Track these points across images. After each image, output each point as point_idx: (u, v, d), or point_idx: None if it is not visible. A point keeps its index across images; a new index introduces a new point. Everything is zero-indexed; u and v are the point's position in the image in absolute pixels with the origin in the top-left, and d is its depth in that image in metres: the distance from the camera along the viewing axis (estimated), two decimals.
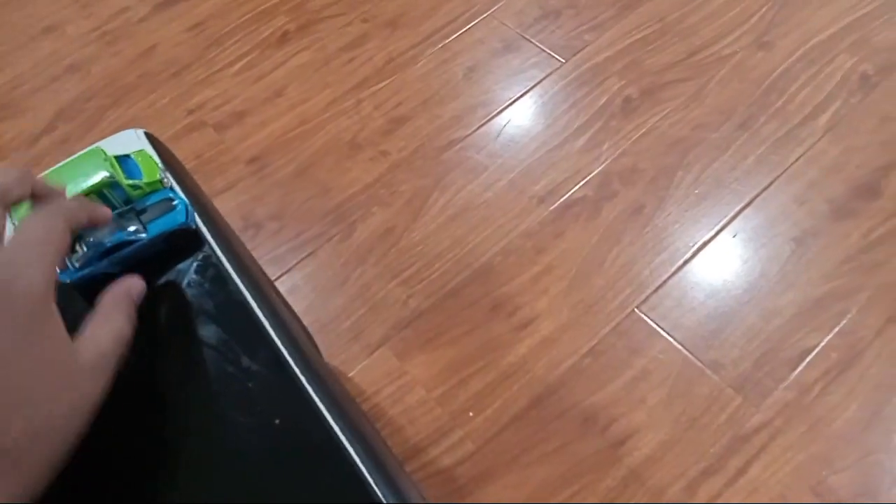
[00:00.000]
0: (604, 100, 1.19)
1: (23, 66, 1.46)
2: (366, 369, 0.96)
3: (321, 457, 0.35)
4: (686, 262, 0.99)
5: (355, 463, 0.35)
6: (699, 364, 0.91)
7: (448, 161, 1.16)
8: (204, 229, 0.45)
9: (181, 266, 0.43)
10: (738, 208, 1.04)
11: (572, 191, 1.09)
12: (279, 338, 0.39)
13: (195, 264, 0.43)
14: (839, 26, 1.22)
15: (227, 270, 0.42)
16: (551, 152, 1.14)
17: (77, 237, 0.40)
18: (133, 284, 0.37)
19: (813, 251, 0.98)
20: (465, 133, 1.19)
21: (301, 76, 1.33)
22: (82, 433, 0.31)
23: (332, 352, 0.98)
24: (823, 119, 1.11)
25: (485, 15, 1.36)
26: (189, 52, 1.41)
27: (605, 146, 1.13)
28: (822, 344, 0.90)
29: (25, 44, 1.50)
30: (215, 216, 0.49)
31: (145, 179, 0.44)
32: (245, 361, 0.38)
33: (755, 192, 1.05)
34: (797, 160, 1.07)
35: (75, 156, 0.44)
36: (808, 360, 0.89)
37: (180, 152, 0.55)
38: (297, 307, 1.00)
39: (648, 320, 0.95)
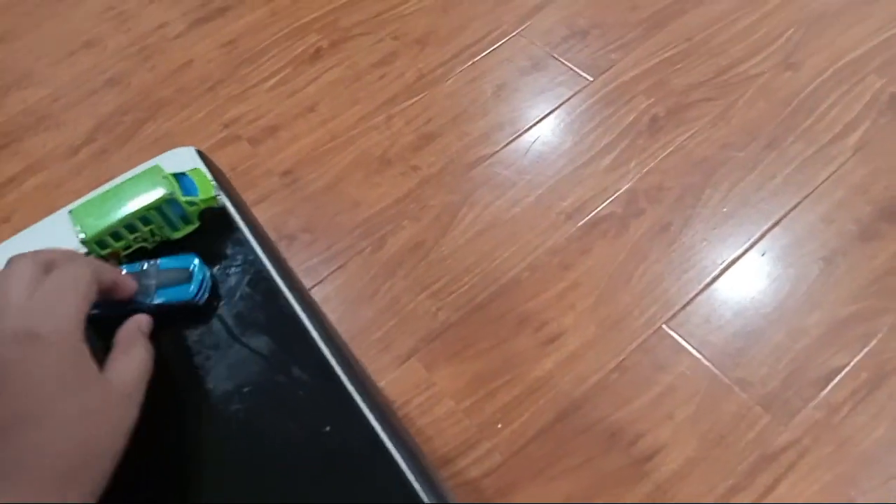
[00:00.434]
0: (631, 118, 1.20)
1: (63, 79, 1.51)
2: (395, 380, 0.97)
3: (369, 461, 0.37)
4: (714, 279, 1.00)
5: (400, 467, 0.36)
6: (727, 381, 0.91)
7: (477, 177, 1.17)
8: (253, 243, 0.47)
9: (232, 281, 0.45)
10: (766, 227, 1.04)
11: (599, 208, 1.10)
12: (327, 348, 0.41)
13: (247, 278, 0.45)
14: (868, 47, 1.22)
15: (276, 284, 0.45)
16: (578, 170, 1.15)
17: None
18: (142, 322, 0.40)
19: (841, 271, 0.98)
20: (493, 150, 1.21)
21: (332, 92, 1.36)
22: (125, 449, 0.34)
23: (362, 362, 0.99)
24: (852, 139, 1.11)
25: (513, 34, 1.38)
26: (223, 67, 1.45)
27: (632, 164, 1.14)
28: (851, 364, 0.90)
29: (65, 58, 1.56)
30: (261, 231, 0.51)
31: (201, 196, 0.46)
32: (296, 371, 0.40)
33: (783, 212, 1.05)
34: (825, 180, 1.07)
35: (135, 172, 0.46)
36: (836, 380, 0.89)
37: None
38: (328, 318, 1.02)
39: (676, 336, 0.96)
